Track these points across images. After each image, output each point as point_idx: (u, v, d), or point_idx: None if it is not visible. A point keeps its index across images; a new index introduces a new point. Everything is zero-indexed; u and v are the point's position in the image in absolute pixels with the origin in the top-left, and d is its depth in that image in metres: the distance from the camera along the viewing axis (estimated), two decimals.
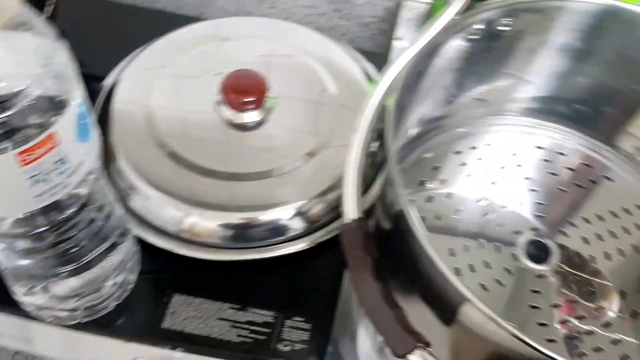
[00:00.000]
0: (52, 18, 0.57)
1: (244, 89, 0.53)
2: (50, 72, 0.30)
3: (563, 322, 0.47)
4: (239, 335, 0.46)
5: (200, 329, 0.46)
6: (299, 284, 0.50)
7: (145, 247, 0.49)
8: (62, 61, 0.31)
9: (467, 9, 0.44)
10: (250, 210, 0.49)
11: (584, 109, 0.52)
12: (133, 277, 0.47)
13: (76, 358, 0.54)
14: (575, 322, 0.47)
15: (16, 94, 0.29)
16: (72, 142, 0.33)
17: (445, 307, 0.37)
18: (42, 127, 0.30)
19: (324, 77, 0.57)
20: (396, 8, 0.72)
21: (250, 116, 0.53)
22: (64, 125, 0.31)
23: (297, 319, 0.48)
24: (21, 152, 0.29)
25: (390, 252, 0.42)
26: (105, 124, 0.53)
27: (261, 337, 0.46)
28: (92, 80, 0.58)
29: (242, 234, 0.49)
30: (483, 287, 0.47)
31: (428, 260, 0.34)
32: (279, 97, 0.55)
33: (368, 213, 0.43)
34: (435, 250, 0.34)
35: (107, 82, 0.57)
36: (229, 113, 0.53)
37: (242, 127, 0.53)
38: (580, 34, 0.47)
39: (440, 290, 0.36)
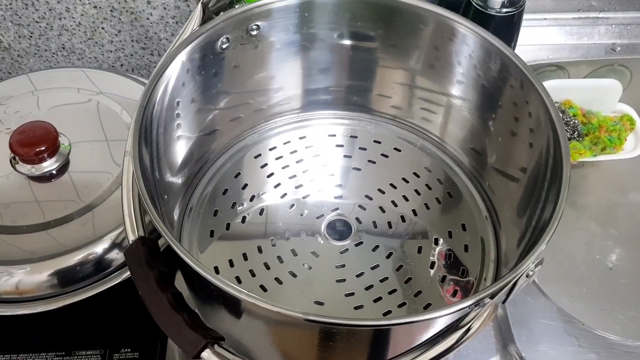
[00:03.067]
0: None
1: (33, 141, 0.53)
2: None
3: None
4: None
5: None
6: (121, 318, 0.51)
7: None
8: None
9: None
10: (60, 255, 0.50)
11: (338, 90, 0.57)
12: None
13: None
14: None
15: None
16: None
17: (231, 304, 0.40)
18: None
19: (121, 114, 0.59)
20: None
21: (48, 165, 0.54)
22: None
23: (125, 350, 0.49)
24: None
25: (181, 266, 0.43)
26: None
27: None
28: None
29: (56, 281, 0.49)
30: (292, 274, 0.50)
31: (199, 275, 0.36)
32: (75, 142, 0.56)
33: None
34: (212, 259, 0.35)
35: None
36: (25, 168, 0.54)
37: (44, 179, 0.54)
38: (292, 27, 0.52)
39: (220, 293, 0.39)
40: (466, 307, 0.35)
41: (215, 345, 0.38)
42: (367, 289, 0.49)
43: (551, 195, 0.42)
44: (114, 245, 0.51)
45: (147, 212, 0.39)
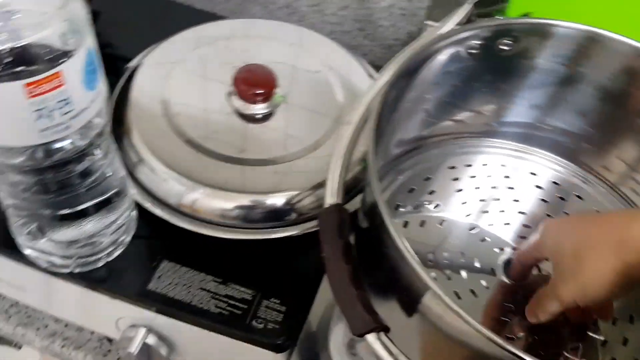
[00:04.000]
0: None
1: (254, 82, 0.56)
2: (65, 14, 0.33)
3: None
4: (217, 307, 0.48)
5: (182, 296, 0.49)
6: (281, 268, 0.52)
7: (143, 215, 0.52)
8: (77, 7, 0.35)
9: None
10: (247, 193, 0.52)
11: (567, 139, 0.54)
12: (127, 238, 0.50)
13: (66, 314, 0.57)
14: None
15: (31, 28, 0.32)
16: (78, 86, 0.36)
17: (409, 296, 0.39)
18: (51, 64, 0.34)
19: (335, 89, 0.60)
20: (418, 32, 0.75)
21: (258, 108, 0.56)
22: (71, 68, 0.35)
23: (274, 300, 0.49)
24: (28, 84, 0.33)
25: (365, 247, 0.43)
26: (125, 101, 0.57)
27: (237, 312, 0.48)
28: (119, 60, 0.62)
29: (236, 215, 0.52)
30: (456, 294, 0.48)
31: (396, 250, 0.36)
32: (287, 96, 0.58)
33: (353, 215, 0.45)
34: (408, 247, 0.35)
35: (132, 64, 0.61)
36: (238, 103, 0.56)
37: (249, 118, 0.57)
38: (564, 59, 0.49)
39: (405, 279, 0.38)
40: None
41: (382, 334, 0.38)
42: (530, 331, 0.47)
43: None
44: (290, 202, 0.52)
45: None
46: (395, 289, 0.41)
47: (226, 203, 0.52)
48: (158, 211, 0.52)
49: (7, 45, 0.32)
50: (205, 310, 0.48)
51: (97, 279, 0.49)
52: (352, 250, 0.40)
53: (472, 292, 0.49)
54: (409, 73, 0.44)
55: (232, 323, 0.48)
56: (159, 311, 0.49)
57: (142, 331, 0.50)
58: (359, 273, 0.40)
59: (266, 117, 0.57)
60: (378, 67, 0.68)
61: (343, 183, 0.44)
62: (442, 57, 0.46)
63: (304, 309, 0.50)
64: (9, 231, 0.48)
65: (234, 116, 0.57)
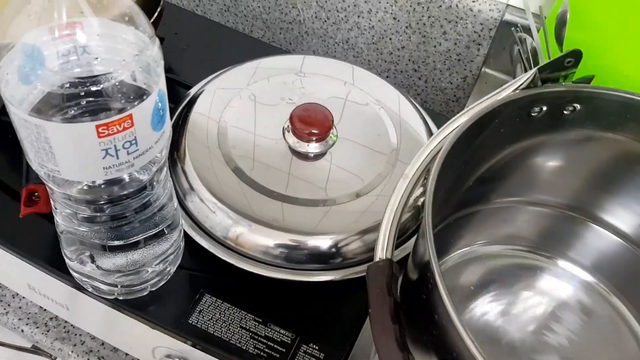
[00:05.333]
0: (156, 23, 0.63)
1: (310, 121, 0.56)
2: (140, 62, 0.34)
3: None
4: (256, 348, 0.48)
5: (222, 333, 0.49)
6: (323, 313, 0.52)
7: (189, 245, 0.52)
8: (152, 55, 0.35)
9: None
10: (293, 233, 0.52)
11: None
12: (172, 269, 0.51)
13: (103, 335, 0.58)
14: None
15: (106, 75, 0.33)
16: (146, 128, 0.36)
17: None
18: (123, 108, 0.34)
19: (389, 129, 0.60)
20: (473, 78, 0.75)
21: (312, 147, 0.57)
22: (142, 111, 0.35)
23: (313, 346, 0.49)
24: (100, 125, 0.34)
25: (412, 303, 0.43)
26: (182, 128, 0.58)
27: (275, 355, 0.48)
28: (179, 86, 0.63)
29: (279, 253, 0.52)
30: None
31: (446, 317, 0.35)
32: (341, 136, 0.58)
33: (400, 263, 0.45)
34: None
35: (192, 91, 0.62)
36: (292, 140, 0.57)
37: (302, 156, 0.57)
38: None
39: (453, 350, 0.37)
40: None
41: None
42: None
43: None
44: (336, 246, 0.52)
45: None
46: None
47: (270, 240, 0.52)
48: (204, 242, 0.52)
49: (84, 88, 0.33)
50: (244, 350, 0.48)
51: (139, 307, 0.50)
52: (400, 308, 0.40)
53: None
54: (470, 133, 0.44)
55: None
56: (196, 346, 0.49)
57: None
58: (403, 333, 0.39)
59: (318, 156, 0.57)
60: (429, 109, 0.68)
61: (394, 238, 0.43)
62: (504, 120, 0.45)
63: (342, 358, 0.49)
64: (60, 252, 0.49)
65: (287, 152, 0.57)
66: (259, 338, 0.49)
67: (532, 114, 0.47)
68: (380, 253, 0.43)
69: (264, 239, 0.52)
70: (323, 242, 0.52)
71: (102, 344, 0.59)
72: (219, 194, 0.53)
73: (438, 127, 0.63)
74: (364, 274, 0.51)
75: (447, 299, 0.34)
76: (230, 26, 0.86)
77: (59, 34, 0.33)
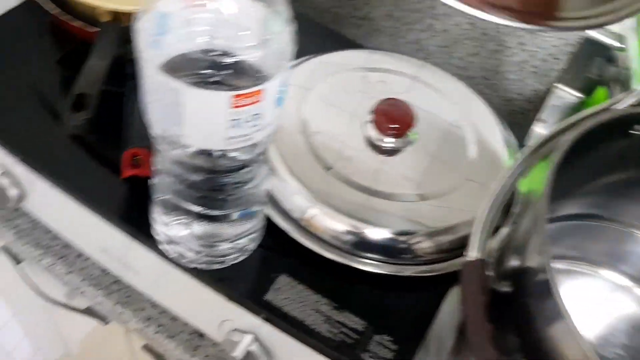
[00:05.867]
0: None
1: (393, 116, 0.57)
2: (279, 41, 0.35)
3: None
4: (329, 331, 0.49)
5: (296, 312, 0.49)
6: (397, 306, 0.52)
7: (270, 226, 0.53)
8: (288, 36, 0.37)
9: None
10: (373, 224, 0.53)
11: None
12: (253, 246, 0.51)
13: (171, 302, 0.58)
14: None
15: (249, 46, 0.34)
16: (270, 104, 0.37)
17: None
18: (256, 81, 0.35)
19: (467, 135, 0.61)
20: (545, 93, 0.75)
21: (390, 142, 0.57)
22: (271, 87, 0.36)
23: (386, 337, 0.50)
24: (237, 96, 0.34)
25: (507, 304, 0.43)
26: None
27: (348, 340, 0.49)
28: None
29: (360, 244, 0.52)
30: None
31: (561, 325, 0.35)
32: (419, 135, 0.58)
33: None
34: None
35: None
36: (372, 133, 0.57)
37: (379, 149, 0.58)
38: None
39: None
40: None
41: None
42: None
43: None
44: (417, 242, 0.53)
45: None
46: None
47: (350, 230, 0.52)
48: (284, 225, 0.53)
49: (227, 59, 0.34)
50: (317, 332, 0.49)
51: (217, 279, 0.50)
52: (494, 308, 0.40)
53: None
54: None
55: (342, 350, 0.48)
56: (270, 321, 0.49)
57: (248, 337, 0.51)
58: (496, 333, 0.40)
59: (393, 152, 0.58)
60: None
61: (486, 238, 0.44)
62: (610, 140, 0.46)
63: (413, 351, 0.50)
64: (146, 217, 0.50)
65: (364, 144, 0.58)
66: (333, 322, 0.50)
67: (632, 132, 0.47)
68: (473, 251, 0.43)
69: (337, 225, 0.52)
70: (404, 237, 0.53)
71: (162, 312, 0.60)
72: (299, 177, 0.54)
73: (514, 137, 0.64)
74: (438, 272, 0.53)
75: (563, 307, 0.35)
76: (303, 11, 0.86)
77: (202, 3, 0.34)
